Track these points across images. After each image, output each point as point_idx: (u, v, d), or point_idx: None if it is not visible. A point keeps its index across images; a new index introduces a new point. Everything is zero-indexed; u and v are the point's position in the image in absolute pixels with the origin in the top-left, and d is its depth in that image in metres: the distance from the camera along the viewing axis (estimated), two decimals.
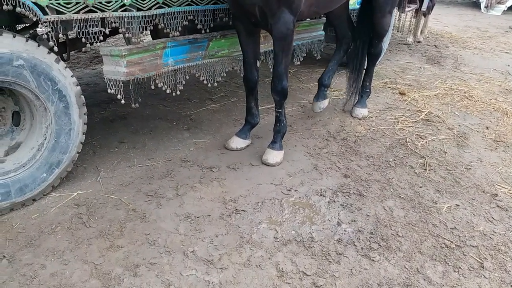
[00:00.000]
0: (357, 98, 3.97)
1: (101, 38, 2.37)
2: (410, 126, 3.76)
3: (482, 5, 11.27)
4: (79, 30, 2.25)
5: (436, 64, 5.86)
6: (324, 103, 3.85)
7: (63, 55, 3.12)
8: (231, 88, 4.56)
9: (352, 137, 3.51)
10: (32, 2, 1.98)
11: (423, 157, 3.23)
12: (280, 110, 3.04)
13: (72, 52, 3.65)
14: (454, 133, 3.66)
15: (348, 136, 3.51)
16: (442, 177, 2.98)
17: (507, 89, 4.91)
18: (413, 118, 3.95)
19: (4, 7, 1.92)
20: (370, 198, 2.68)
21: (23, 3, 1.96)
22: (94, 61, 5.30)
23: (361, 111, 3.90)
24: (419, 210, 2.59)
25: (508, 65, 5.99)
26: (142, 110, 3.78)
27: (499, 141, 3.56)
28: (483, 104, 4.37)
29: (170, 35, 2.72)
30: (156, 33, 3.31)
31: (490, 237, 2.38)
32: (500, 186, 2.89)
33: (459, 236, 2.37)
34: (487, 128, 3.81)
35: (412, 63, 5.87)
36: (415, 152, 3.31)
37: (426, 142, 3.48)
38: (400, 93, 4.54)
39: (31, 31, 2.44)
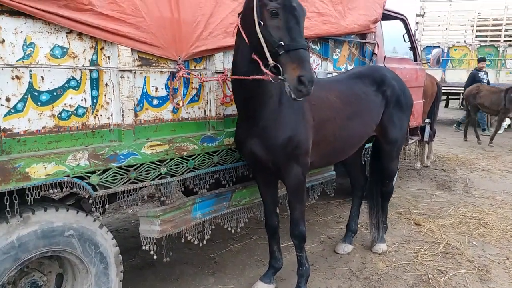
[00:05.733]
0: (376, 234, 4.12)
1: (140, 203, 2.69)
2: (430, 260, 3.82)
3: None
4: (122, 199, 2.59)
5: (447, 189, 6.08)
6: (349, 248, 4.04)
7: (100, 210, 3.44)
8: (252, 225, 4.75)
9: (374, 275, 3.57)
10: (86, 182, 2.35)
11: None
12: (301, 254, 3.19)
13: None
14: (475, 266, 3.69)
15: (370, 275, 3.57)
16: None
17: None
18: (432, 250, 4.02)
19: (64, 189, 2.27)
20: None
21: (78, 184, 2.32)
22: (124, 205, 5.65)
23: (380, 246, 4.03)
24: None
25: None
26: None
27: None
28: (499, 232, 4.45)
29: (199, 193, 3.05)
30: (185, 191, 3.66)
31: None
32: None
33: None
34: (508, 258, 3.84)
35: (423, 189, 6.11)
36: None
37: (448, 277, 3.51)
38: (415, 223, 4.68)
39: (76, 196, 2.78)
